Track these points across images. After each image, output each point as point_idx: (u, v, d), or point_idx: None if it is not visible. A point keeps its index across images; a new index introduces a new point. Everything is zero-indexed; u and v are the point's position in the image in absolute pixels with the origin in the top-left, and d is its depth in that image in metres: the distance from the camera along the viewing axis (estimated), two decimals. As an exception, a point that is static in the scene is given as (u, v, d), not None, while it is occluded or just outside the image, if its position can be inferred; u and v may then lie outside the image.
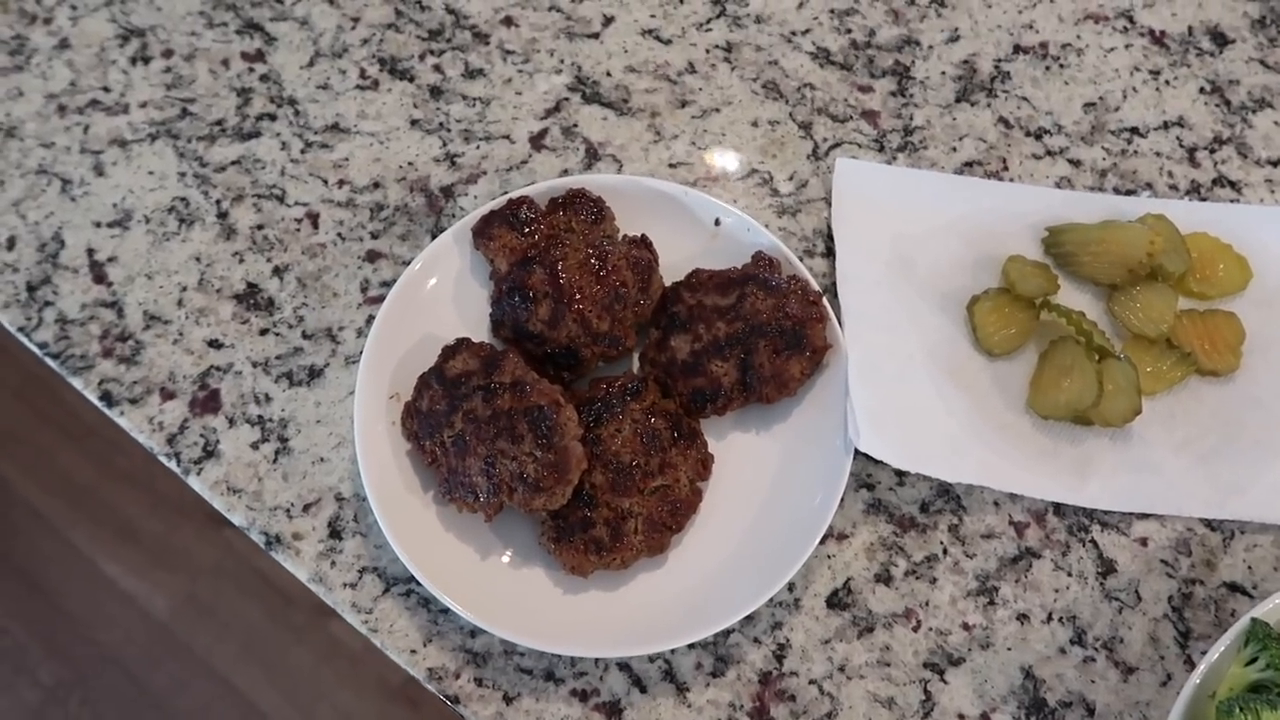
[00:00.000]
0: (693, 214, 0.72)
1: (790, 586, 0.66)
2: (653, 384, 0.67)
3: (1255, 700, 0.57)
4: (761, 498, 0.66)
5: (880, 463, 0.69)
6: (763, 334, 0.66)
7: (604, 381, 0.66)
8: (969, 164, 0.78)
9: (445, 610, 0.65)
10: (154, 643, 1.66)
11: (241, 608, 1.64)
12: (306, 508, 0.68)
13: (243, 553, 1.66)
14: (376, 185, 0.77)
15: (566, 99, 0.81)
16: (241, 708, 1.57)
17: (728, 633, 0.65)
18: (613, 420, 0.65)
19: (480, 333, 0.70)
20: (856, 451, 0.68)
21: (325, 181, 0.78)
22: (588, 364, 0.68)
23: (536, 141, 0.79)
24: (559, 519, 0.63)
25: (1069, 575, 0.67)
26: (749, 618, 0.65)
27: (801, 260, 0.75)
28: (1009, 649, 0.65)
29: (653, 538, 0.63)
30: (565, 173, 0.78)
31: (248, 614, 1.64)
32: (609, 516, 0.63)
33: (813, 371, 0.67)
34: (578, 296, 0.66)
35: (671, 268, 0.70)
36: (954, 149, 0.79)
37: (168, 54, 0.83)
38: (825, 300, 0.67)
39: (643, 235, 0.69)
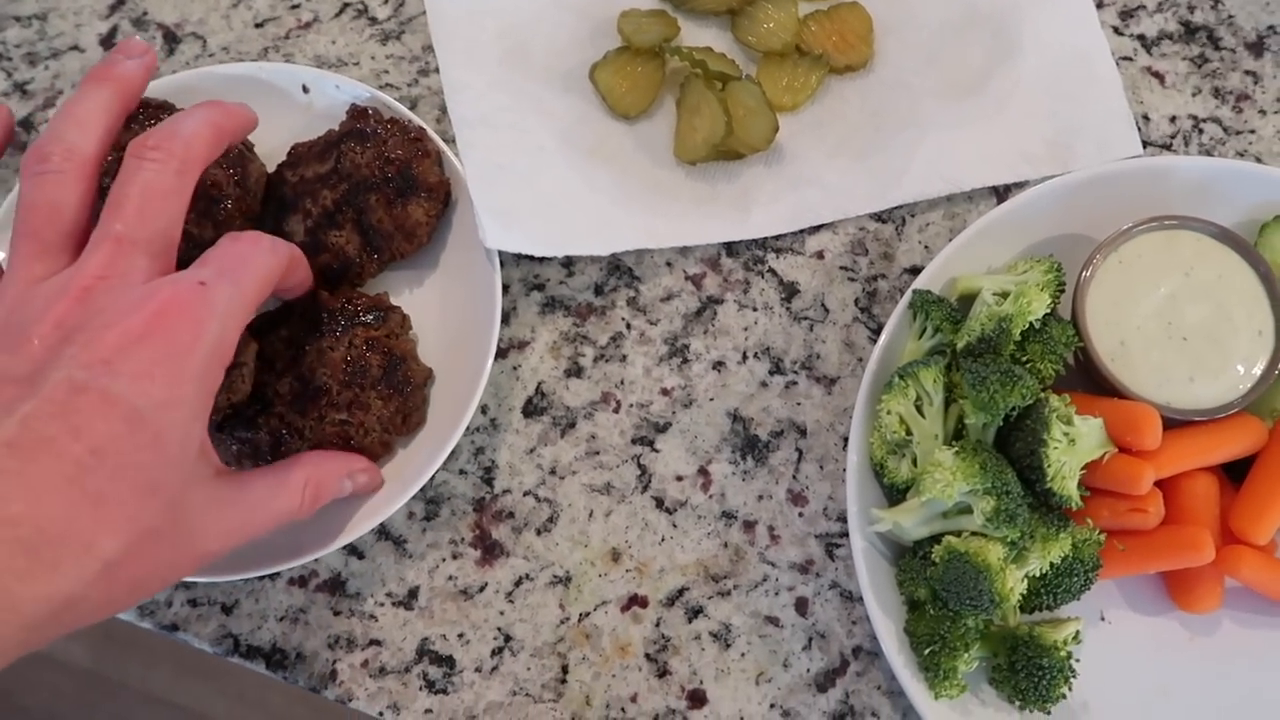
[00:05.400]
0: (278, 89, 0.65)
1: (483, 409, 0.64)
2: (402, 316, 0.61)
3: (914, 365, 0.57)
4: (435, 349, 0.62)
5: (547, 260, 0.66)
6: (370, 188, 0.60)
7: (357, 297, 0.60)
8: (566, -69, 0.74)
9: (141, 547, 0.61)
10: (85, 690, 1.62)
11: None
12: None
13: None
14: (-50, 141, 0.70)
15: (130, -12, 0.74)
16: (197, 723, 1.54)
17: (432, 476, 0.63)
18: (334, 336, 0.59)
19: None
20: (521, 259, 0.65)
21: (-107, 154, 0.70)
22: None
23: (108, 42, 0.72)
24: (231, 410, 0.58)
25: (754, 310, 0.66)
26: (451, 454, 0.63)
27: (418, 81, 0.71)
28: (711, 399, 0.64)
29: None
30: (147, 66, 0.71)
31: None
32: (276, 428, 0.58)
33: (440, 212, 0.63)
34: (165, 205, 0.60)
35: (277, 151, 0.64)
36: (547, -80, 0.74)
37: None
38: (430, 133, 0.63)
39: None
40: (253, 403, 0.58)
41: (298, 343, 0.58)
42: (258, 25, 0.72)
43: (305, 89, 0.66)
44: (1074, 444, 0.54)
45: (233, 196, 0.60)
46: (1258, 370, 0.57)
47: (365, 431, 0.58)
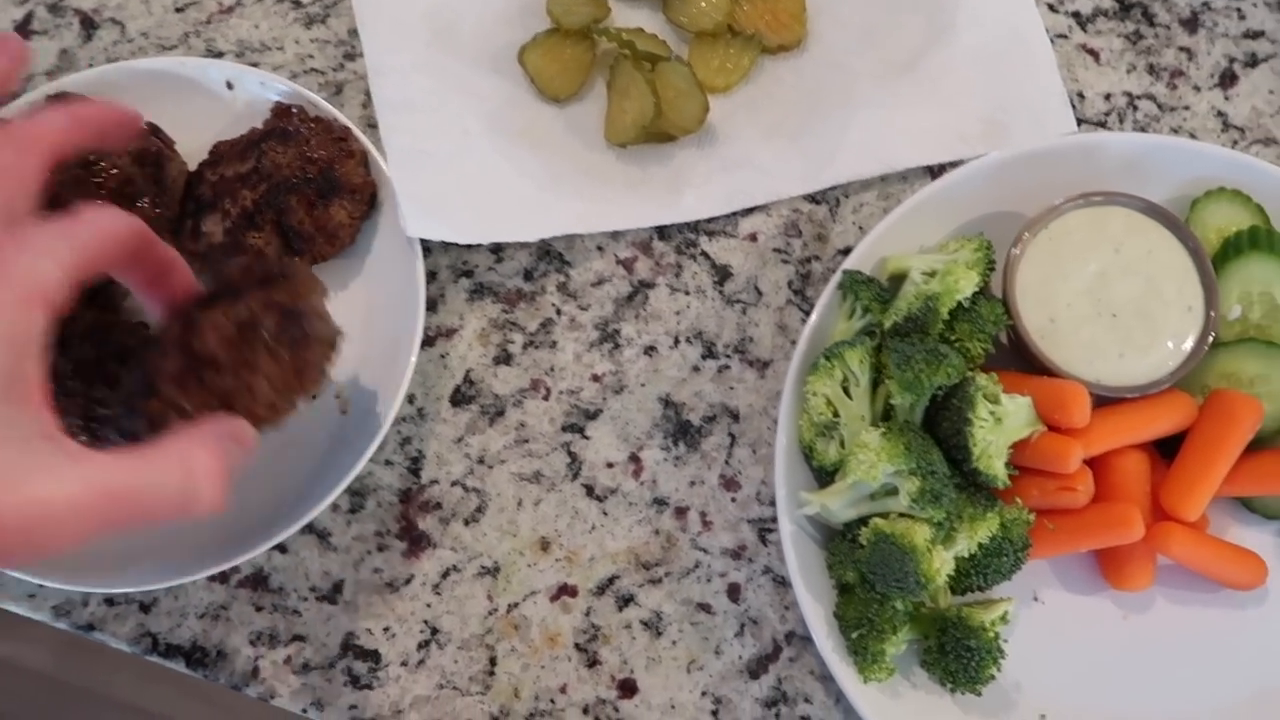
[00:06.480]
0: (202, 85, 0.64)
1: (410, 398, 0.63)
2: (309, 277, 0.52)
3: (839, 346, 0.56)
4: (360, 343, 0.60)
5: (475, 246, 0.65)
6: (290, 189, 0.59)
7: (258, 263, 0.54)
8: (494, -88, 0.72)
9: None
10: (49, 696, 1.60)
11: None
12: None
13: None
14: None
15: (46, -27, 0.72)
16: (164, 729, 1.52)
17: (357, 465, 0.62)
18: (227, 304, 0.50)
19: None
20: (449, 244, 0.64)
21: None
22: None
23: (23, 30, 0.70)
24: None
25: (687, 294, 0.65)
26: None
27: (343, 65, 0.69)
28: (643, 385, 0.63)
29: None
30: (63, 54, 0.69)
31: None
32: (157, 409, 0.50)
33: (365, 214, 0.61)
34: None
35: (200, 149, 0.62)
36: (475, -99, 0.73)
37: None
38: (357, 133, 0.61)
39: (147, 123, 0.61)
40: (136, 392, 0.51)
41: (190, 319, 0.50)
42: (178, 10, 0.70)
43: (229, 85, 0.64)
44: (1000, 422, 0.53)
45: (149, 195, 0.58)
46: (1187, 346, 0.57)
47: (254, 396, 0.49)
